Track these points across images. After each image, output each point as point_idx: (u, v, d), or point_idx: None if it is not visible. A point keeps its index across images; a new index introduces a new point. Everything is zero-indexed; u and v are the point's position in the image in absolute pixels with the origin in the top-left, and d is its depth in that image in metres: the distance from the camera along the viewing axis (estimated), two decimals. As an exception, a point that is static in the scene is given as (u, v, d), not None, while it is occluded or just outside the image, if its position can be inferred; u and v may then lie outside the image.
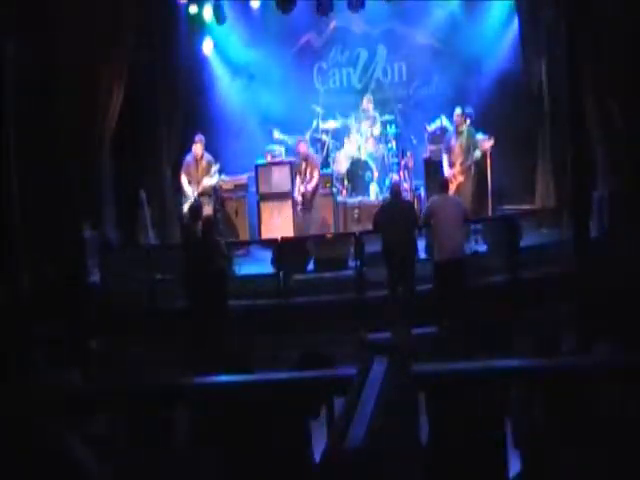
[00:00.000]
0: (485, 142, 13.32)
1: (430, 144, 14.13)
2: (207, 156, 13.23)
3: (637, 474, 2.78)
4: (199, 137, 13.24)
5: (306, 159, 13.64)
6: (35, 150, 11.07)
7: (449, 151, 13.23)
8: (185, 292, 10.89)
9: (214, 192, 13.43)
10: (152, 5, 13.59)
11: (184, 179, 13.19)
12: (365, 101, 14.48)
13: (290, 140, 14.36)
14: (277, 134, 14.56)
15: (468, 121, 13.66)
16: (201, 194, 12.98)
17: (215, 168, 13.17)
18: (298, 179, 13.66)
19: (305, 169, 13.59)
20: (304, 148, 13.70)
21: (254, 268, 12.45)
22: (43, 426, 1.90)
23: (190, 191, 13.08)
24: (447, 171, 12.98)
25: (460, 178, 13.03)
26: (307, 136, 14.61)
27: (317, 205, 13.73)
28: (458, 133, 13.15)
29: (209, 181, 13.16)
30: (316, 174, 13.58)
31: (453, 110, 13.69)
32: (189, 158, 13.23)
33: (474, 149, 13.05)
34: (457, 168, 13.05)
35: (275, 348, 10.69)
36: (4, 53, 10.48)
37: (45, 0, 11.26)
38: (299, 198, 13.64)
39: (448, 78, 14.72)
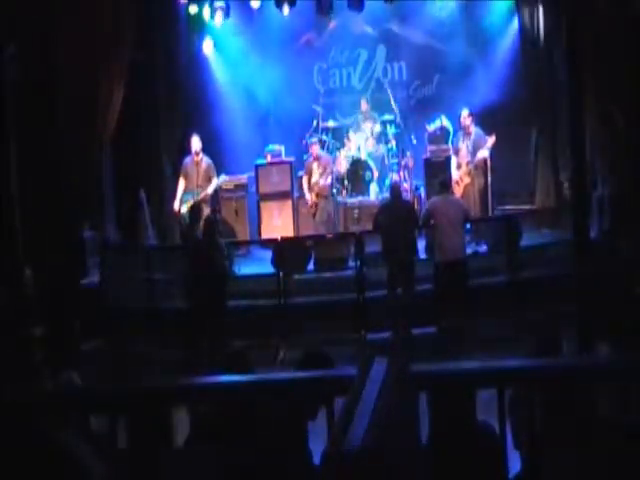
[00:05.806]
0: (488, 139, 13.31)
1: (430, 144, 14.12)
2: (207, 159, 13.16)
3: (637, 475, 2.78)
4: (194, 135, 13.20)
5: (318, 159, 13.61)
6: (35, 150, 11.07)
7: (457, 152, 13.20)
8: (185, 292, 10.90)
9: (214, 192, 13.37)
10: (152, 5, 13.60)
11: (181, 183, 13.12)
12: (363, 103, 14.47)
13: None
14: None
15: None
16: (203, 200, 12.81)
17: (215, 179, 13.10)
18: (306, 178, 13.61)
19: (317, 168, 13.54)
20: (316, 149, 13.69)
21: (254, 268, 12.45)
22: (44, 426, 1.91)
23: (180, 195, 12.99)
24: (455, 173, 12.95)
25: (467, 179, 12.97)
26: (307, 136, 14.63)
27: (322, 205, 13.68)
28: (467, 134, 13.11)
29: (211, 188, 13.09)
30: (329, 170, 13.59)
31: (453, 110, 13.68)
32: (188, 160, 13.18)
33: (479, 149, 13.03)
34: (464, 169, 13.00)
35: (275, 348, 10.70)
36: (4, 53, 10.47)
37: (45, 0, 11.26)
38: (311, 196, 13.54)
39: (448, 78, 14.71)
